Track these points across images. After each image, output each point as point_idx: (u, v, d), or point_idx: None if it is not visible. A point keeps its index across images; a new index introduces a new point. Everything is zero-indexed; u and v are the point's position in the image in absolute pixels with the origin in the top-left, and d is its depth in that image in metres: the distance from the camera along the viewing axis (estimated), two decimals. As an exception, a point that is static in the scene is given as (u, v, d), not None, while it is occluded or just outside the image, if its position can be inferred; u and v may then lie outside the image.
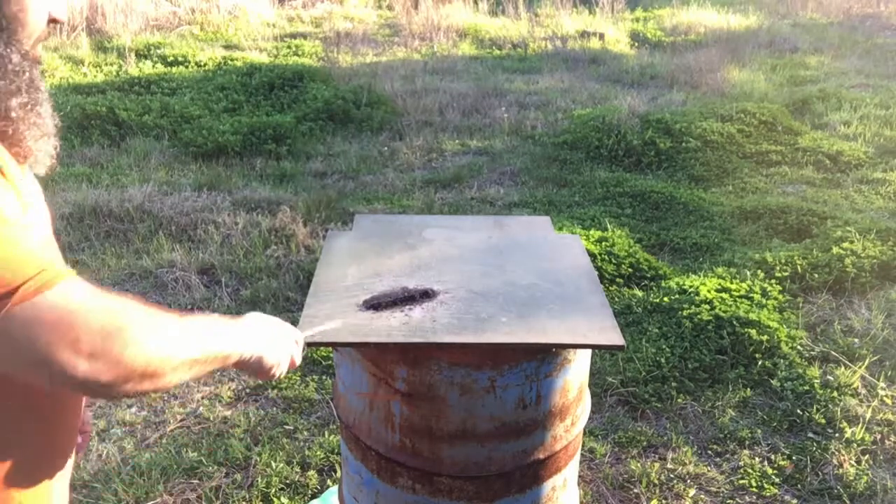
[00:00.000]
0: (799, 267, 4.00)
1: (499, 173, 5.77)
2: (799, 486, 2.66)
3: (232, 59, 8.47)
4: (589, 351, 1.78)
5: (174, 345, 1.03)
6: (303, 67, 7.86)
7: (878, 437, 2.87)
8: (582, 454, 2.75)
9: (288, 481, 2.62)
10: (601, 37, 10.25)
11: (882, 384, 3.15)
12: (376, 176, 5.67)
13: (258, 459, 2.71)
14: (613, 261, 3.99)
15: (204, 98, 6.97)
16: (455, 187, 5.46)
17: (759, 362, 3.24)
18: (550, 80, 8.44)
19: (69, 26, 8.86)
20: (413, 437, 1.65)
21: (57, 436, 1.17)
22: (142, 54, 8.47)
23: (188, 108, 6.62)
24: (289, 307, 3.74)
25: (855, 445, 2.82)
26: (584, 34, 10.37)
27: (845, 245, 4.13)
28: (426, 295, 1.73)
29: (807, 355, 3.35)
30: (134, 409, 3.02)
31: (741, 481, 2.68)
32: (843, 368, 3.23)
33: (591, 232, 4.30)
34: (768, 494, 2.62)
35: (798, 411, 2.99)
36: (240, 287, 3.91)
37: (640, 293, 3.80)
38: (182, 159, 5.76)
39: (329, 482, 2.63)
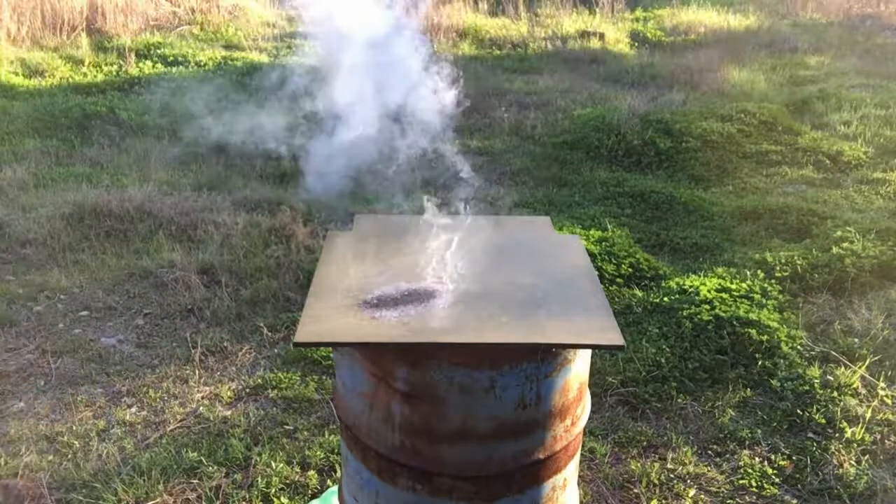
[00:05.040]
0: (799, 267, 4.00)
1: (499, 173, 5.76)
2: (799, 486, 2.66)
3: (232, 59, 8.46)
4: (589, 351, 1.78)
5: None
6: (302, 67, 7.85)
7: (878, 437, 2.88)
8: (582, 454, 2.75)
9: (288, 481, 2.62)
10: (601, 37, 10.23)
11: (882, 384, 3.15)
12: (376, 176, 5.67)
13: (258, 459, 2.71)
14: (613, 261, 3.99)
15: (204, 98, 6.96)
16: (455, 187, 5.45)
17: (759, 362, 3.24)
18: (550, 80, 8.43)
19: (69, 26, 8.86)
20: (413, 437, 1.65)
21: None
22: (142, 54, 8.46)
23: (188, 108, 6.61)
24: (289, 307, 3.74)
25: (855, 445, 2.82)
26: (584, 34, 10.36)
27: (845, 245, 4.13)
28: (426, 295, 1.73)
29: (807, 355, 3.35)
30: (134, 409, 3.02)
31: (741, 481, 2.68)
32: (843, 368, 3.23)
33: (591, 232, 4.30)
34: (768, 494, 2.62)
35: (798, 411, 2.99)
36: (240, 287, 3.91)
37: (640, 293, 3.80)
38: (182, 159, 5.75)
39: (329, 482, 2.63)
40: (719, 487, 2.66)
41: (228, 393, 3.13)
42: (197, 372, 3.26)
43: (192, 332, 3.56)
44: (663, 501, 2.59)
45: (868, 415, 2.96)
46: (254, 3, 11.09)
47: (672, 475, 2.70)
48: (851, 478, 2.66)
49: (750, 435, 2.89)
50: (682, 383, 3.15)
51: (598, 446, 2.82)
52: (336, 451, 2.75)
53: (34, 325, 3.60)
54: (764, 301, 3.64)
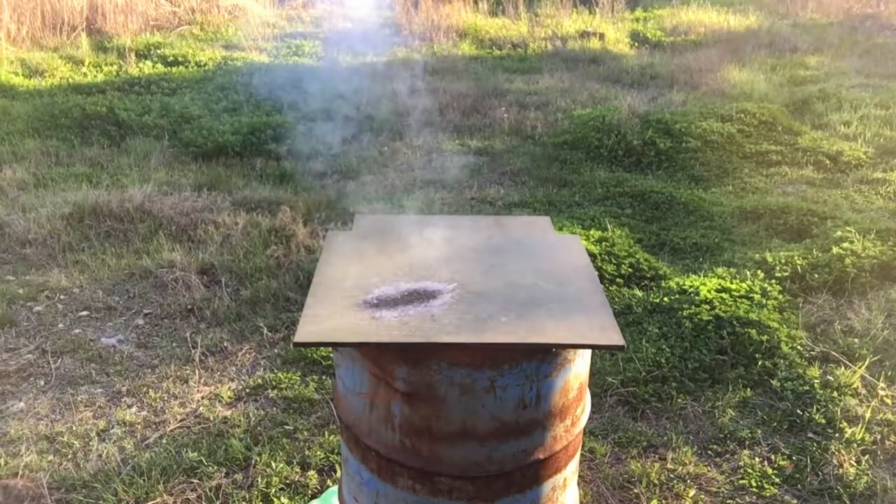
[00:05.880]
0: (799, 267, 4.00)
1: (499, 173, 5.76)
2: (799, 486, 2.66)
3: (232, 59, 8.47)
4: (589, 351, 1.78)
5: None
6: (303, 67, 7.86)
7: (878, 437, 2.88)
8: (582, 454, 2.75)
9: (288, 481, 2.62)
10: (601, 37, 10.23)
11: (882, 384, 3.15)
12: (376, 176, 5.67)
13: (258, 459, 2.71)
14: (613, 261, 3.99)
15: (204, 98, 6.96)
16: (455, 187, 5.46)
17: (759, 362, 3.24)
18: (550, 80, 8.43)
19: (69, 26, 8.86)
20: (413, 437, 1.65)
21: None
22: (142, 54, 8.47)
23: (188, 108, 6.62)
24: (289, 307, 3.74)
25: (855, 445, 2.82)
26: (584, 34, 10.36)
27: (845, 245, 4.13)
28: (426, 295, 1.73)
29: (807, 355, 3.35)
30: (134, 409, 3.02)
31: (741, 481, 2.68)
32: (843, 368, 3.23)
33: (591, 232, 4.30)
34: (768, 494, 2.62)
35: (798, 411, 2.99)
36: (240, 287, 3.91)
37: (640, 293, 3.80)
38: (182, 159, 5.75)
39: (329, 482, 2.63)
40: (719, 487, 2.66)
41: (228, 393, 3.13)
42: (197, 372, 3.26)
43: (192, 332, 3.56)
44: (663, 501, 2.59)
45: (868, 415, 2.96)
46: (254, 3, 11.09)
47: (672, 475, 2.70)
48: (851, 478, 2.66)
49: (750, 435, 2.89)
50: (682, 383, 3.15)
51: (598, 446, 2.82)
52: (336, 451, 2.75)
53: (34, 325, 3.60)
54: (764, 301, 3.64)
